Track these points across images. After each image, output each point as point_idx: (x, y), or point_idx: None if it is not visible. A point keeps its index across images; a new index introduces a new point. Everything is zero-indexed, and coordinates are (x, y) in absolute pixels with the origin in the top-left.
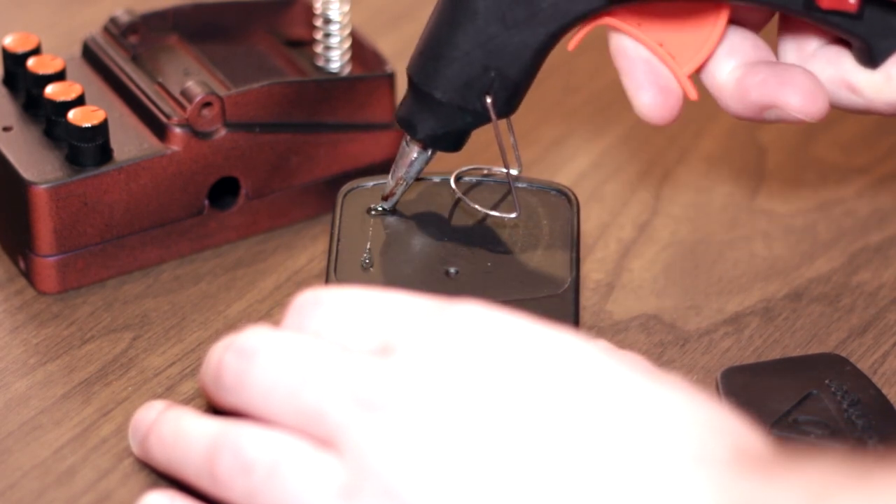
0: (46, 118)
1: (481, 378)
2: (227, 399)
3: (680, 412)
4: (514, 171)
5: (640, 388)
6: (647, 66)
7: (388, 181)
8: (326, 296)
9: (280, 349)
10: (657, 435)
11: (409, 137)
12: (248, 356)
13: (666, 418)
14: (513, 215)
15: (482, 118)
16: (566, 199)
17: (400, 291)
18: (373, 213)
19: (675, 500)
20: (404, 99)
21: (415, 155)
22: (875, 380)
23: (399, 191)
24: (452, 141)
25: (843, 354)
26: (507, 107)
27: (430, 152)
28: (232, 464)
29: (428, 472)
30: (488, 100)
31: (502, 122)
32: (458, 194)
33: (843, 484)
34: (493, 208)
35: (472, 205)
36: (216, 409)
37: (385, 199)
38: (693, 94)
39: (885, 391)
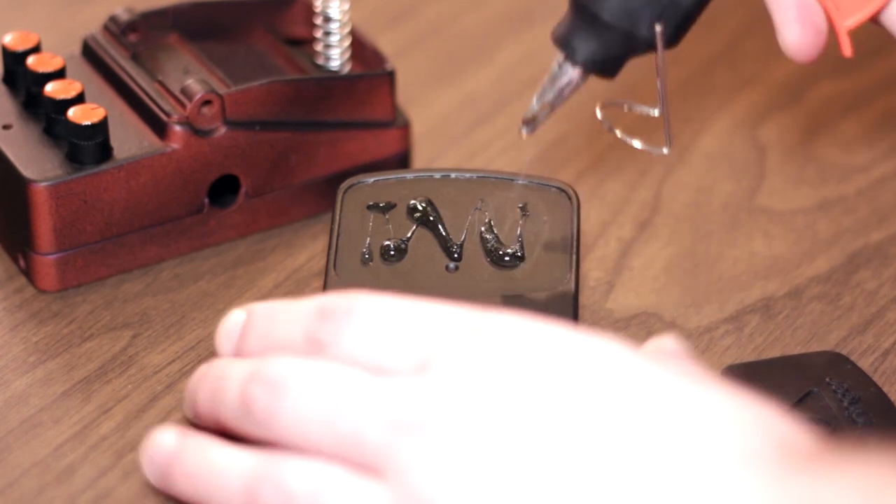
0: (46, 116)
1: (523, 393)
2: (257, 432)
3: (723, 412)
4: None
5: (684, 394)
6: (800, 3)
7: (533, 105)
8: (360, 305)
9: (310, 379)
10: (702, 438)
11: (562, 58)
12: (279, 389)
13: (709, 420)
14: (664, 150)
15: (646, 46)
16: (567, 197)
17: (402, 289)
18: (525, 129)
19: (723, 502)
20: (564, 18)
21: (567, 79)
22: (875, 378)
23: (543, 116)
24: (610, 67)
25: (844, 353)
26: (674, 38)
27: (583, 77)
28: (273, 497)
29: (474, 490)
30: (658, 28)
31: (661, 55)
32: (608, 125)
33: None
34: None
35: (622, 136)
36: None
37: (526, 123)
38: (848, 51)
39: (885, 389)
